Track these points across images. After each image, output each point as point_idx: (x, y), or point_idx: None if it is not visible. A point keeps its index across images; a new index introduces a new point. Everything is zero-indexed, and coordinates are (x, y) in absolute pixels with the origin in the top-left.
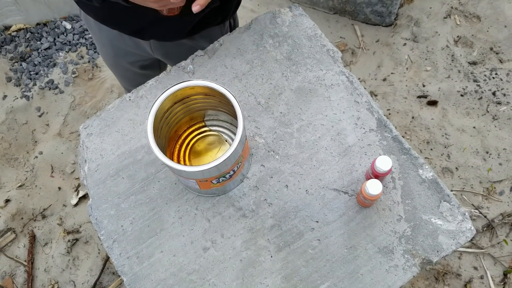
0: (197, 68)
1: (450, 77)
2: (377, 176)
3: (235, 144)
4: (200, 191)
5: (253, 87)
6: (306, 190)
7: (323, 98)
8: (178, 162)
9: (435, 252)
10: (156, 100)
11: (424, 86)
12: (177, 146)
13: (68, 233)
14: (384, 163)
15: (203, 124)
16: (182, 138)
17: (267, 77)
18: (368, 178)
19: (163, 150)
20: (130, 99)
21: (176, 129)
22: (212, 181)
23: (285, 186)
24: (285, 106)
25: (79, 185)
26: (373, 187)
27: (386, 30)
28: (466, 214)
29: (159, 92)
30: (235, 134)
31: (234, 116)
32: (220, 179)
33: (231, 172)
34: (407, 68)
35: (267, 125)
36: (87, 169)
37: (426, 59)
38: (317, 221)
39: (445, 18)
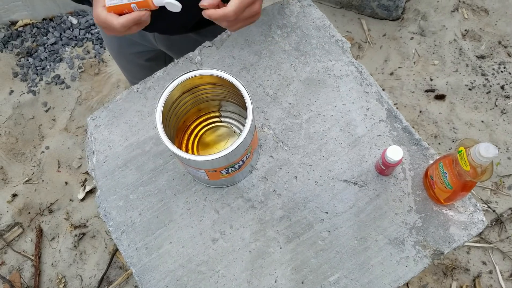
0: (205, 59)
1: (458, 71)
2: (388, 166)
3: (244, 133)
4: (208, 182)
5: (262, 78)
6: (316, 181)
7: (332, 89)
8: (187, 151)
9: (447, 243)
10: (165, 90)
11: (431, 80)
12: (186, 136)
13: (75, 227)
14: (395, 153)
15: (217, 114)
16: (191, 129)
17: (276, 68)
18: (378, 169)
19: (172, 140)
20: (137, 91)
21: (185, 119)
22: (221, 171)
23: (294, 177)
24: (294, 97)
25: (85, 180)
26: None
27: (393, 24)
28: (478, 205)
29: (167, 83)
30: (243, 125)
31: (243, 106)
32: (229, 169)
33: (240, 163)
34: (414, 62)
35: (275, 116)
36: (95, 161)
37: (433, 53)
38: (327, 212)
39: (452, 11)
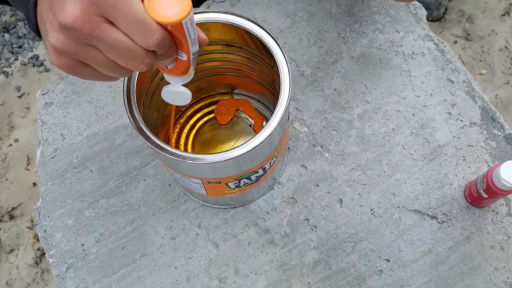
0: None
1: (509, 83)
2: (496, 194)
3: (272, 124)
4: (206, 199)
5: (295, 51)
6: (372, 210)
7: (399, 72)
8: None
9: None
10: None
11: None
12: (176, 128)
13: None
14: None
15: (227, 98)
16: (185, 117)
17: (316, 37)
18: (470, 196)
19: (154, 130)
20: None
21: None
22: (228, 184)
23: (338, 201)
24: (342, 81)
25: None
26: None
27: (434, 25)
28: None
29: None
30: (266, 119)
31: (268, 86)
32: (241, 182)
33: (260, 172)
34: None
35: (313, 106)
36: (39, 155)
37: (480, 60)
38: (388, 260)
39: (503, 15)
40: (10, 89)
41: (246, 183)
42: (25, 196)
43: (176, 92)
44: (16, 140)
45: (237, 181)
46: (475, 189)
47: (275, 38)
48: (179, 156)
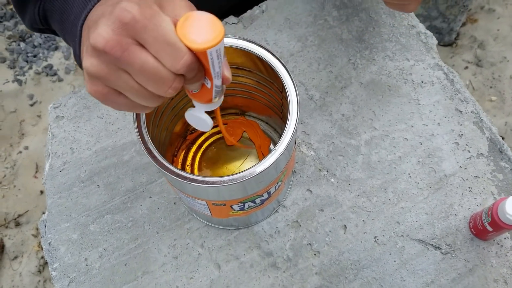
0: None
1: None
2: (500, 228)
3: (280, 148)
4: (211, 220)
5: (305, 74)
6: (375, 237)
7: (408, 100)
8: (183, 169)
9: None
10: None
11: None
12: (184, 146)
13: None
14: None
15: (236, 118)
16: (193, 135)
17: (326, 62)
18: (475, 228)
19: (162, 148)
20: None
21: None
22: (233, 207)
23: (342, 227)
24: (350, 106)
25: None
26: None
27: (445, 50)
28: None
29: None
30: (274, 141)
31: (276, 109)
32: (246, 205)
33: (265, 196)
34: None
35: (321, 130)
36: (48, 167)
37: (491, 87)
38: None
39: None
40: (23, 97)
41: (251, 206)
42: (31, 203)
43: (198, 117)
44: (26, 148)
45: (242, 204)
46: (480, 222)
47: (284, 64)
48: (185, 178)
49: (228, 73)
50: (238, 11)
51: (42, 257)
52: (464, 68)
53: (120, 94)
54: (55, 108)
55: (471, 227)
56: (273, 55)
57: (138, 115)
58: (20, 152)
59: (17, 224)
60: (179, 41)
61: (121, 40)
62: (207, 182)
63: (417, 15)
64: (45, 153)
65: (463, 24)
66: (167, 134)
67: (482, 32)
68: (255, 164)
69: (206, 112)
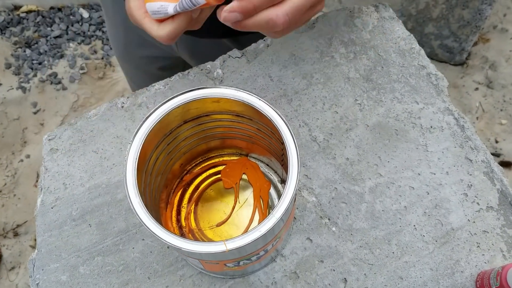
0: (228, 74)
1: None
2: None
3: (276, 215)
4: (204, 270)
5: (309, 114)
6: None
7: (416, 146)
8: (179, 210)
9: None
10: (153, 112)
11: (497, 142)
12: (180, 185)
13: None
14: None
15: (236, 158)
16: (191, 176)
17: (332, 101)
18: None
19: (157, 191)
20: (122, 107)
21: (183, 161)
22: (227, 264)
23: (343, 280)
24: (355, 150)
25: None
26: None
27: (455, 69)
28: None
29: (164, 101)
30: (272, 184)
31: (277, 156)
32: (241, 262)
33: (261, 253)
34: (477, 118)
35: (323, 175)
36: (39, 203)
37: (501, 110)
38: None
39: None
40: (27, 105)
41: (246, 262)
42: (31, 213)
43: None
44: (28, 156)
45: (237, 262)
46: (487, 283)
47: (286, 121)
48: (175, 246)
49: None
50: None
51: None
52: (474, 89)
53: None
54: (49, 140)
55: (478, 286)
56: (275, 111)
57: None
58: (22, 160)
59: (16, 234)
60: None
61: None
62: (198, 250)
63: (428, 34)
64: (38, 187)
65: (475, 44)
66: (162, 178)
67: (494, 53)
68: (248, 232)
69: None
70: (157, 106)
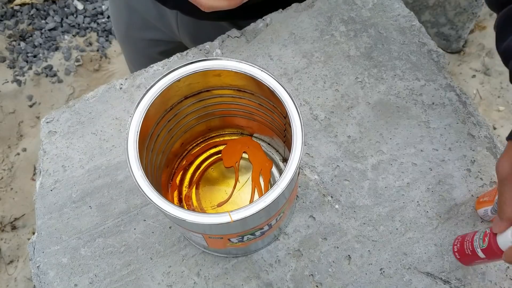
0: (227, 54)
1: None
2: (497, 256)
3: (281, 186)
4: (207, 248)
5: (309, 93)
6: (381, 269)
7: (418, 123)
8: (181, 191)
9: None
10: (152, 86)
11: (495, 129)
12: (181, 166)
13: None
14: None
15: (239, 136)
16: (192, 155)
17: (333, 80)
18: (461, 253)
19: (158, 170)
20: (121, 88)
21: (183, 141)
22: (231, 239)
23: (347, 257)
24: (357, 128)
25: None
26: None
27: (452, 57)
28: None
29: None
30: (274, 163)
31: (279, 132)
32: (245, 237)
33: (265, 228)
34: None
35: (325, 153)
36: (38, 186)
37: (499, 96)
38: None
39: None
40: (22, 98)
41: (250, 238)
42: (28, 207)
43: None
44: (24, 150)
45: (241, 237)
46: (469, 246)
47: (289, 92)
48: (179, 218)
49: None
50: (248, 14)
51: None
52: (471, 76)
53: None
54: (47, 122)
55: (456, 250)
56: (278, 81)
57: (131, 151)
58: (18, 154)
59: (13, 228)
60: None
61: None
62: (202, 221)
63: (425, 22)
64: (37, 169)
65: (472, 31)
66: (163, 158)
67: (491, 40)
68: (253, 203)
69: None
70: (158, 78)
